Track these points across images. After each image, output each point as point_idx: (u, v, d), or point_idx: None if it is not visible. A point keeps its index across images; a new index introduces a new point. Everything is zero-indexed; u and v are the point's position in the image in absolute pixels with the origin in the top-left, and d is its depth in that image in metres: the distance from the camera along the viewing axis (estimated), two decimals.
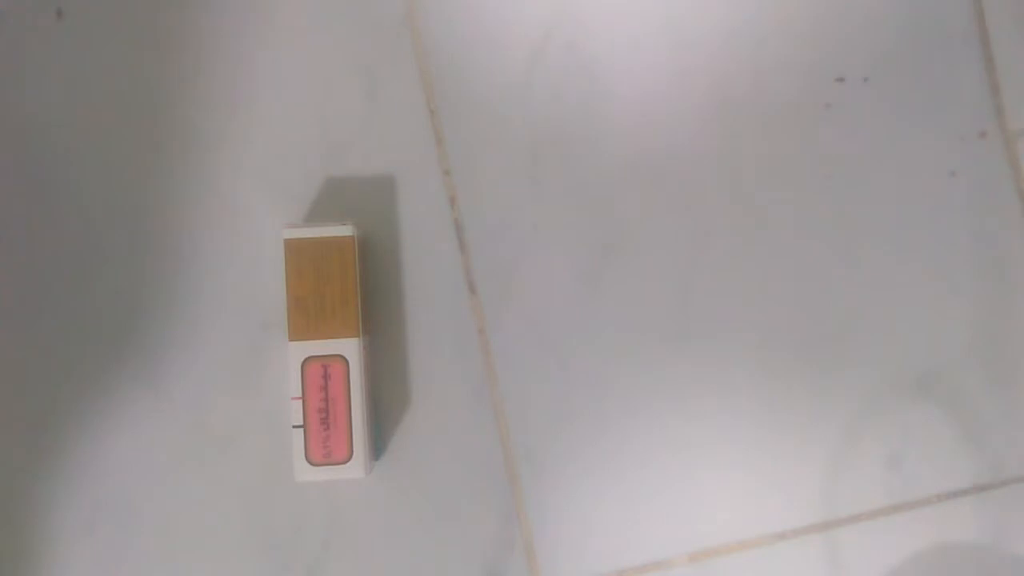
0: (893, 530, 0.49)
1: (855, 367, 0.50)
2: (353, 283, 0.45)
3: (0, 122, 0.49)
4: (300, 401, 0.45)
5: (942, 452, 0.50)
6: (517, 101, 0.50)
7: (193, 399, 0.48)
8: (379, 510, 0.48)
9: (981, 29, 0.52)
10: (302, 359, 0.45)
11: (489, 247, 0.50)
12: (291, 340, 0.45)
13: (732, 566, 0.49)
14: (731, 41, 0.51)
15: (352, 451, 0.45)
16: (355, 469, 0.44)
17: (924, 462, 0.50)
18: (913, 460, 0.50)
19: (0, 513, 0.47)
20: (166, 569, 0.48)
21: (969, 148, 0.51)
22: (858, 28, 0.51)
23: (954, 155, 0.51)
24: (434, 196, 0.50)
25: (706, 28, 0.51)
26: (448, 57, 0.50)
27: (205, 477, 0.48)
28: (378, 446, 0.49)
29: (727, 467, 0.49)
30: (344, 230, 0.45)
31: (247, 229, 0.49)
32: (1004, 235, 0.51)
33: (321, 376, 0.45)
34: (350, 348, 0.45)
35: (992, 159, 0.51)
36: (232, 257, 0.49)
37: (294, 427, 0.45)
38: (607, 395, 0.49)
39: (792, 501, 0.49)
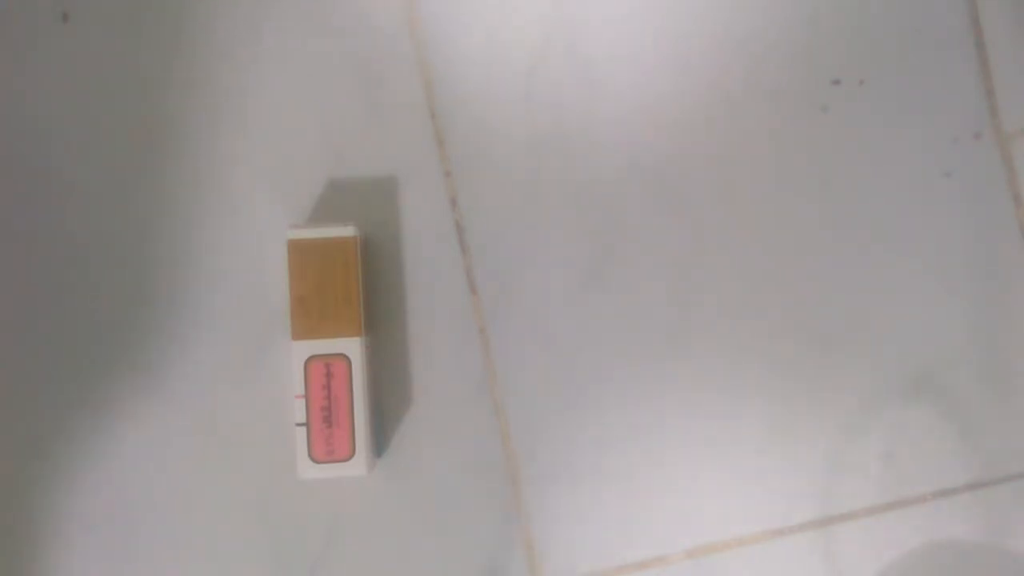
0: (888, 527, 0.50)
1: (851, 366, 0.50)
2: (355, 283, 0.46)
3: (4, 124, 0.49)
4: (303, 399, 0.45)
5: (936, 450, 0.50)
6: (517, 103, 0.50)
7: (197, 398, 0.48)
8: (381, 507, 0.49)
9: (976, 31, 0.52)
10: (305, 358, 0.45)
11: (490, 248, 0.50)
12: (294, 339, 0.45)
13: (729, 562, 0.49)
14: (728, 44, 0.51)
15: (354, 449, 0.45)
16: (357, 467, 0.45)
17: (918, 460, 0.50)
18: (908, 458, 0.50)
19: (5, 510, 0.48)
20: (169, 566, 0.48)
21: (964, 149, 0.52)
22: (854, 31, 0.52)
23: (949, 156, 0.51)
24: (435, 197, 0.50)
25: (704, 31, 0.51)
26: (449, 59, 0.50)
27: (208, 474, 0.48)
28: (380, 444, 0.49)
29: (725, 465, 0.50)
30: (346, 231, 0.46)
31: (251, 230, 0.49)
32: (998, 235, 0.51)
33: (324, 375, 0.45)
34: (352, 347, 0.45)
35: (987, 160, 0.52)
36: (236, 258, 0.49)
37: (297, 425, 0.45)
38: (607, 394, 0.50)
39: (789, 498, 0.50)
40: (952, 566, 0.50)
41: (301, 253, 0.45)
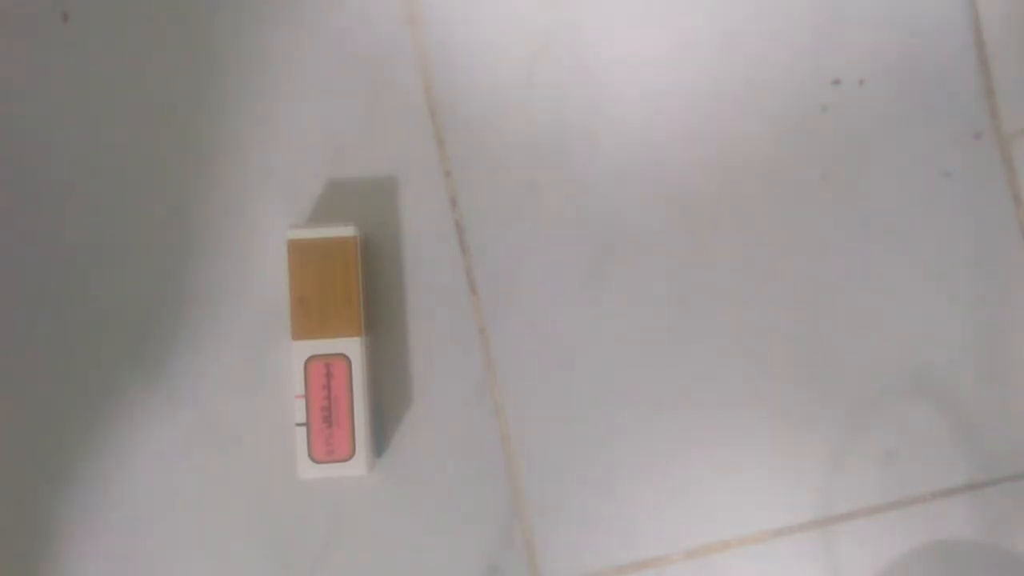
0: (888, 527, 0.50)
1: (851, 366, 0.50)
2: (355, 283, 0.46)
3: (5, 125, 0.49)
4: (303, 399, 0.45)
5: (937, 450, 0.50)
6: (517, 103, 0.50)
7: (198, 397, 0.49)
8: (381, 507, 0.49)
9: (976, 31, 0.52)
10: (305, 358, 0.45)
11: (490, 247, 0.50)
12: (294, 339, 0.45)
13: (729, 562, 0.49)
14: (729, 44, 0.51)
15: (354, 449, 0.45)
16: (357, 466, 0.45)
17: (919, 460, 0.50)
18: (908, 458, 0.50)
19: (7, 511, 0.48)
20: (170, 565, 0.48)
21: (964, 149, 0.52)
22: (854, 31, 0.52)
23: (949, 156, 0.51)
24: (435, 197, 0.50)
25: (704, 31, 0.51)
26: (449, 59, 0.50)
27: (209, 474, 0.48)
28: (380, 444, 0.49)
29: (725, 465, 0.50)
30: (346, 231, 0.46)
31: (251, 230, 0.49)
32: (998, 235, 0.51)
33: (324, 375, 0.45)
34: (352, 347, 0.45)
35: (987, 160, 0.52)
36: (236, 258, 0.49)
37: (297, 425, 0.45)
38: (606, 394, 0.50)
39: (789, 498, 0.50)
40: (952, 566, 0.50)
41: (301, 253, 0.46)
